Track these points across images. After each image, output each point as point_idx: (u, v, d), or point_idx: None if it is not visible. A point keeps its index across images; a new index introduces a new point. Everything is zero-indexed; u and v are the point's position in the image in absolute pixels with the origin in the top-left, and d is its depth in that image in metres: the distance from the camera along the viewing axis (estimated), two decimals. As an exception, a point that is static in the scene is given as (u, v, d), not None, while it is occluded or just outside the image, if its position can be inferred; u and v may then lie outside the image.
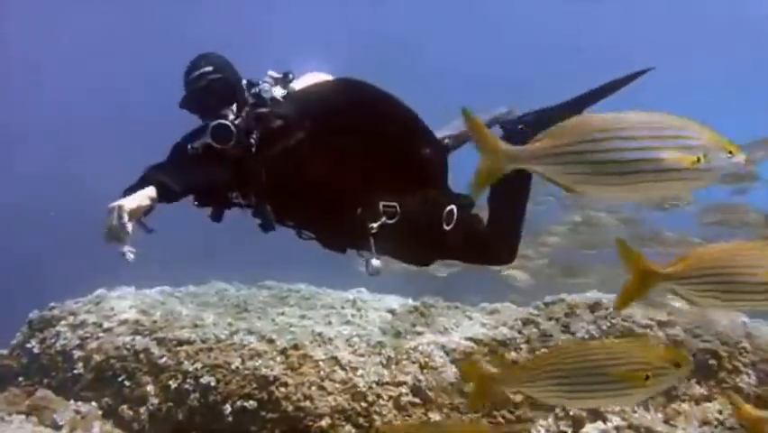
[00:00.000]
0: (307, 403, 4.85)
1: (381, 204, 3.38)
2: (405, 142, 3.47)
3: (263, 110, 3.27)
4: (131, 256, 2.79)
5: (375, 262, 3.41)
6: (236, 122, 3.22)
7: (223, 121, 3.19)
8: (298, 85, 3.49)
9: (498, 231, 3.83)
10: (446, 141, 3.85)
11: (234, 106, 3.27)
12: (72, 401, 4.46)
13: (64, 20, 20.15)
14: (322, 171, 3.30)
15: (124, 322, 5.64)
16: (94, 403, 4.74)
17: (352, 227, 3.40)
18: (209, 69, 3.30)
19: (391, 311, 6.22)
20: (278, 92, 3.38)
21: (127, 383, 5.21)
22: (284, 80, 3.41)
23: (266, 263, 7.71)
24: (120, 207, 2.77)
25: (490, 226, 3.79)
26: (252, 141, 3.21)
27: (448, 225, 3.52)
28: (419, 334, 5.55)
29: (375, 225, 3.37)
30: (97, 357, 5.35)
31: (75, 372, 5.34)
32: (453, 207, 3.54)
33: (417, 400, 4.84)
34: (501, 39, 22.74)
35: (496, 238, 3.82)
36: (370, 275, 3.46)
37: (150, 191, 2.96)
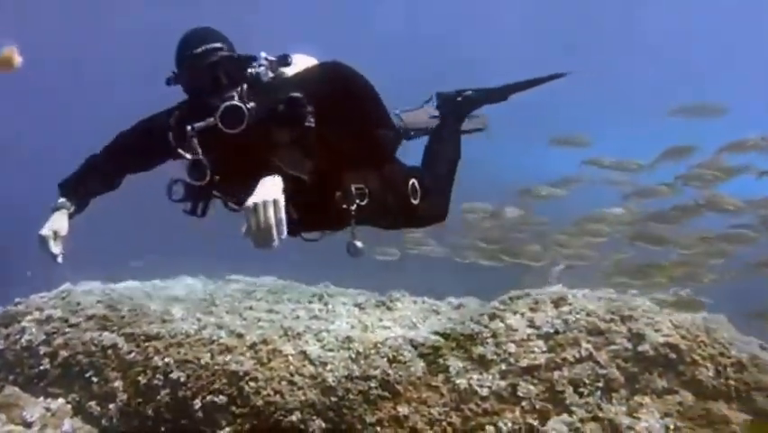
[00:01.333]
0: (277, 398, 4.90)
1: (353, 186, 3.47)
2: (371, 125, 3.60)
3: (296, 95, 3.25)
4: (60, 259, 3.33)
5: (358, 243, 3.52)
6: (249, 105, 3.20)
7: (236, 103, 3.17)
8: (289, 69, 3.54)
9: (440, 188, 4.12)
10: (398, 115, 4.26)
11: (240, 88, 3.26)
12: (42, 398, 4.41)
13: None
14: (316, 157, 3.31)
15: (92, 317, 5.60)
16: (62, 400, 4.70)
17: (335, 211, 3.48)
18: (218, 44, 3.26)
19: (358, 305, 6.28)
20: (269, 75, 3.42)
21: (95, 379, 5.18)
22: (279, 63, 3.42)
23: (229, 258, 7.70)
24: (42, 238, 3.28)
25: (432, 184, 4.00)
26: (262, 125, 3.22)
27: (414, 198, 3.77)
28: (387, 328, 5.62)
29: (353, 207, 3.47)
30: (64, 353, 5.32)
31: (41, 368, 5.28)
32: (414, 180, 3.77)
33: (387, 394, 4.89)
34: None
35: (437, 199, 4.09)
36: (353, 256, 3.57)
37: (62, 213, 3.43)
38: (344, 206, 3.46)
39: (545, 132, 9.14)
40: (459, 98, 4.81)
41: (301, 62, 3.57)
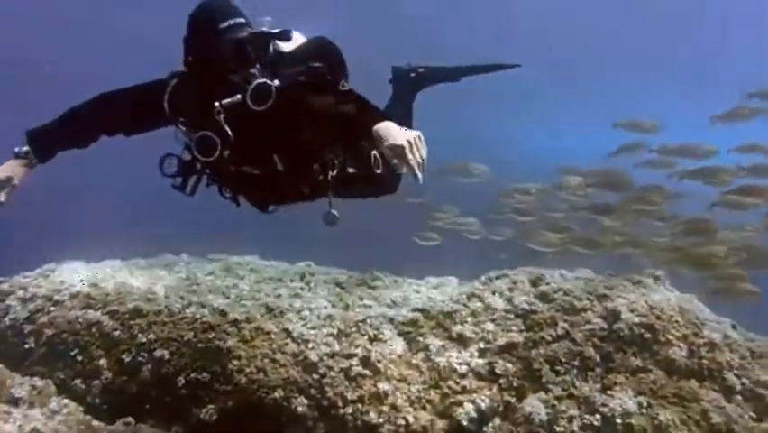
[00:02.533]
0: (260, 375, 4.97)
1: (329, 158, 3.64)
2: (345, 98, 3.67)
3: (317, 64, 3.39)
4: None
5: (334, 212, 3.71)
6: (275, 82, 3.24)
7: (266, 80, 3.22)
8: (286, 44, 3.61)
9: None
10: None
11: (258, 66, 3.29)
12: (28, 377, 4.45)
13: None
14: (310, 129, 3.48)
15: (76, 295, 5.63)
16: (47, 379, 4.74)
17: (314, 182, 3.64)
18: (242, 20, 3.29)
19: (339, 284, 6.35)
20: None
21: (80, 357, 5.21)
22: (280, 38, 3.44)
23: (212, 236, 7.74)
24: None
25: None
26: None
27: (378, 168, 3.91)
28: (368, 307, 5.69)
29: (329, 177, 3.63)
30: (49, 331, 5.34)
31: (26, 346, 5.32)
32: (375, 152, 3.88)
33: (367, 372, 4.98)
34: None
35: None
36: (329, 225, 3.68)
37: (21, 162, 3.36)
38: (321, 177, 3.57)
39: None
40: (412, 74, 4.93)
41: (295, 37, 3.65)
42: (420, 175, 2.79)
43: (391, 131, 2.86)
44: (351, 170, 3.83)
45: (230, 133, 3.26)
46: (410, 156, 2.76)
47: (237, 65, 3.24)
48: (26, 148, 3.38)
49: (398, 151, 2.77)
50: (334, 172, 3.64)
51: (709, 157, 8.10)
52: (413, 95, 5.00)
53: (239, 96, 3.20)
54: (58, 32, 20.06)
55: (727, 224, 7.71)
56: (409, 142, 2.77)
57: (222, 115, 3.23)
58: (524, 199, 9.22)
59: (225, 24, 3.22)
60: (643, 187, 8.15)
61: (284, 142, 3.47)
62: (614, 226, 8.38)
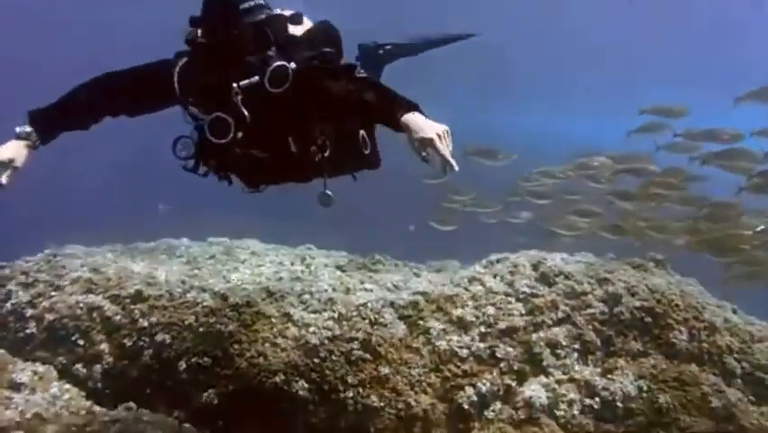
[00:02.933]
0: (261, 360, 4.96)
1: (323, 139, 3.64)
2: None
3: (326, 48, 3.41)
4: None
5: (329, 192, 3.76)
6: (291, 64, 3.25)
7: (284, 63, 3.23)
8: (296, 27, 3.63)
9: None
10: None
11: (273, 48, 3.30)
12: (29, 363, 4.47)
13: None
14: (322, 113, 3.57)
15: (77, 280, 5.63)
16: (48, 364, 4.75)
17: (309, 163, 3.65)
18: (261, 1, 3.30)
19: (340, 267, 6.36)
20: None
21: (81, 342, 5.21)
22: (294, 21, 3.51)
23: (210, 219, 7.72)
24: None
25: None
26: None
27: (365, 148, 3.96)
28: (368, 291, 5.69)
29: (323, 159, 3.65)
30: (50, 316, 5.32)
31: (27, 331, 5.30)
32: (362, 132, 3.94)
33: (368, 356, 4.98)
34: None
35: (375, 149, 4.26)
36: (325, 205, 3.72)
37: (22, 143, 3.29)
38: (317, 158, 3.59)
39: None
40: (380, 51, 4.97)
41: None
42: (455, 164, 2.89)
43: (420, 122, 2.95)
44: (343, 150, 3.84)
45: (247, 114, 3.25)
46: (442, 148, 2.86)
47: (256, 47, 3.24)
48: (28, 128, 3.33)
49: (430, 143, 2.87)
50: (327, 153, 3.64)
51: (734, 141, 7.94)
52: (380, 70, 5.05)
53: (257, 77, 3.20)
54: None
55: (751, 209, 7.64)
56: (438, 136, 2.87)
57: (239, 97, 3.22)
58: (545, 182, 9.16)
59: (246, 5, 3.22)
60: (666, 170, 8.12)
61: (296, 125, 3.51)
62: (636, 211, 8.33)
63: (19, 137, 3.31)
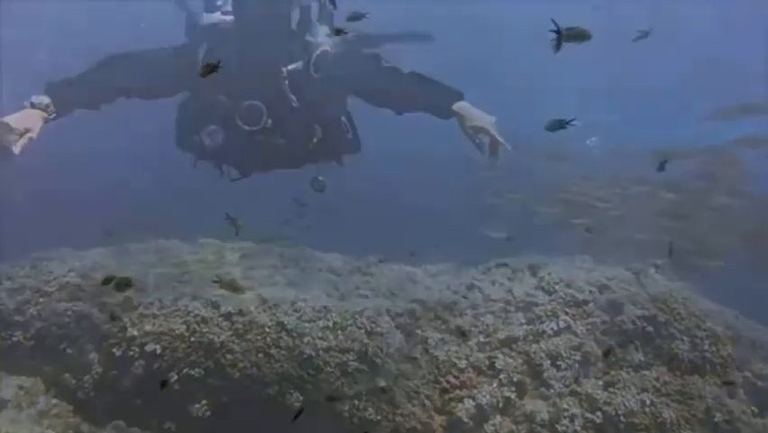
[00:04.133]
0: (254, 371, 4.85)
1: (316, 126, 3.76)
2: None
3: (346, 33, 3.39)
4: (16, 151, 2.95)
5: (321, 178, 3.97)
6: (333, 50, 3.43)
7: (327, 48, 3.41)
8: None
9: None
10: None
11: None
12: (14, 377, 4.34)
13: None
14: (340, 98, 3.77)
15: (65, 286, 5.48)
16: (35, 377, 4.63)
17: (304, 150, 3.76)
18: None
19: (334, 272, 6.23)
20: None
21: (69, 351, 5.09)
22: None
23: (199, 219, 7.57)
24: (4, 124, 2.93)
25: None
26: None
27: (348, 134, 4.04)
28: (365, 297, 5.57)
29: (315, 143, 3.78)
30: (37, 324, 5.20)
31: (14, 339, 5.15)
32: (344, 117, 4.00)
33: (364, 367, 4.87)
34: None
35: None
36: (318, 191, 3.78)
37: (39, 114, 3.16)
38: (310, 145, 3.74)
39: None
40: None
41: None
42: (508, 146, 3.12)
43: (473, 112, 3.21)
44: (329, 136, 3.91)
45: (294, 99, 3.31)
46: (496, 134, 3.09)
47: (301, 31, 3.34)
48: (46, 99, 3.21)
49: (485, 132, 3.13)
50: (315, 140, 3.73)
51: None
52: None
53: (300, 62, 3.21)
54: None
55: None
56: (492, 126, 3.15)
57: (286, 82, 3.25)
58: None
59: None
60: None
61: (325, 110, 3.68)
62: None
63: (34, 107, 3.19)
